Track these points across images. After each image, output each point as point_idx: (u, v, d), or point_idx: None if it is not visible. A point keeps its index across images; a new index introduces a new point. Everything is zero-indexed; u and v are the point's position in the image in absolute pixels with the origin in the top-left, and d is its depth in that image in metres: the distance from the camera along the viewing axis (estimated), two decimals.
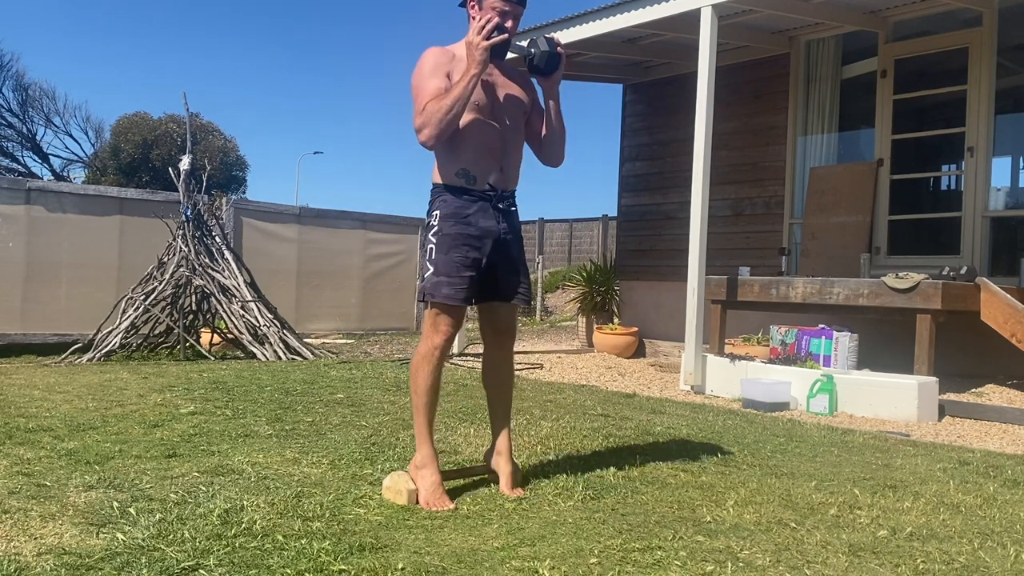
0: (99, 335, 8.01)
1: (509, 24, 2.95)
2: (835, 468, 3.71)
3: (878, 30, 7.59)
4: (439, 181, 3.06)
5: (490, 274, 3.05)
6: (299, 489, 2.98)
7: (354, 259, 12.15)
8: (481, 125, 2.98)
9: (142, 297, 8.21)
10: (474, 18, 2.98)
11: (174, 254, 8.44)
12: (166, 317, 8.27)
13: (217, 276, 8.47)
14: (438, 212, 3.02)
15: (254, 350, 8.14)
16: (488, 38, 2.87)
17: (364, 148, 77.18)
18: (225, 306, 8.35)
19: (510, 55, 3.07)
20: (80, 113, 51.25)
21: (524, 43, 3.08)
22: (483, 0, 2.98)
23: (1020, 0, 6.78)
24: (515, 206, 3.15)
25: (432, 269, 2.99)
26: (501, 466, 3.12)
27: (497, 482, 3.12)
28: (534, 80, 3.17)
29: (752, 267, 7.29)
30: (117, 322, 8.10)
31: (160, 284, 8.27)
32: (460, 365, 7.59)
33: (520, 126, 3.13)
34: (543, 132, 3.16)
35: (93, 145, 34.16)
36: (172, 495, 2.88)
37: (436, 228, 3.02)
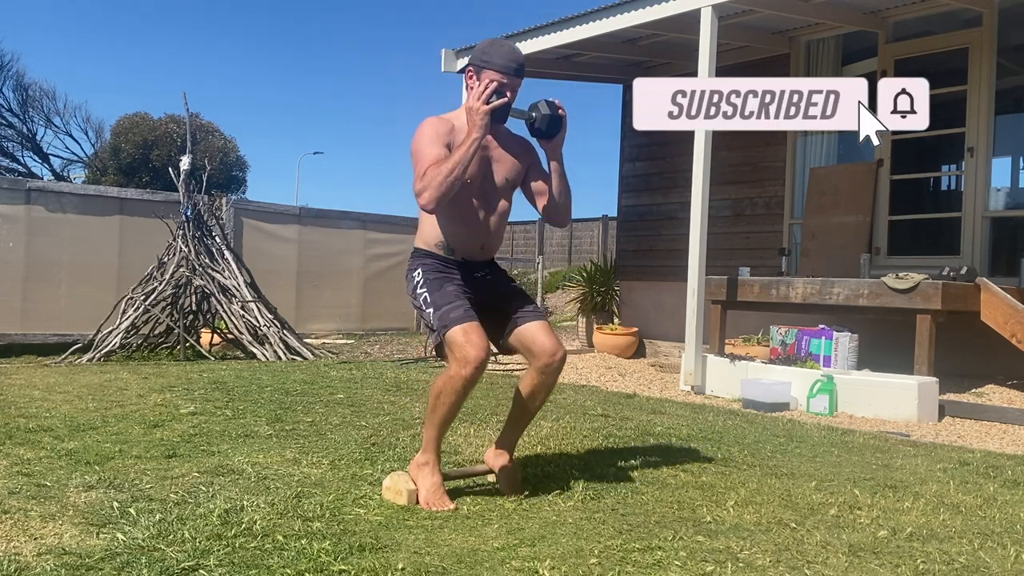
0: (99, 335, 8.01)
1: (508, 95, 2.95)
2: (835, 468, 3.71)
3: (878, 30, 7.59)
4: (421, 246, 3.08)
5: (491, 309, 3.02)
6: (299, 489, 2.98)
7: (354, 259, 12.16)
8: (468, 201, 2.98)
9: (142, 297, 8.21)
10: (471, 87, 2.99)
11: (174, 254, 8.44)
12: (166, 317, 8.27)
13: (217, 276, 8.47)
14: (419, 269, 3.03)
15: (254, 350, 8.14)
16: (488, 102, 2.88)
17: (364, 148, 77.19)
18: (225, 306, 8.35)
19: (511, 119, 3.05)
20: (80, 113, 51.05)
21: (525, 107, 3.05)
22: (481, 71, 2.97)
23: (1020, 0, 6.78)
24: (493, 271, 3.16)
25: (432, 308, 2.95)
26: (502, 466, 3.11)
27: (497, 482, 3.12)
28: (534, 141, 3.14)
29: (752, 267, 7.29)
30: (117, 322, 8.10)
31: (160, 284, 8.27)
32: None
33: (510, 194, 3.14)
34: (547, 196, 3.11)
35: (93, 145, 34.11)
36: (172, 495, 2.88)
37: (420, 280, 3.01)
